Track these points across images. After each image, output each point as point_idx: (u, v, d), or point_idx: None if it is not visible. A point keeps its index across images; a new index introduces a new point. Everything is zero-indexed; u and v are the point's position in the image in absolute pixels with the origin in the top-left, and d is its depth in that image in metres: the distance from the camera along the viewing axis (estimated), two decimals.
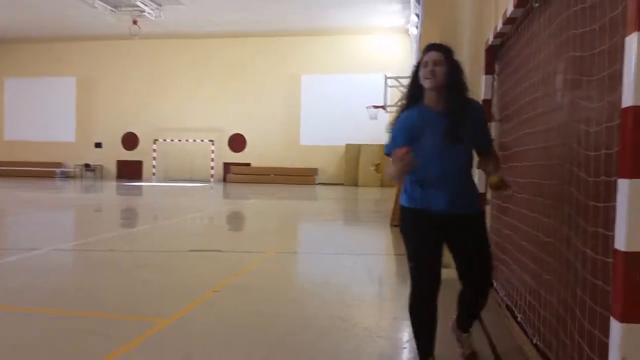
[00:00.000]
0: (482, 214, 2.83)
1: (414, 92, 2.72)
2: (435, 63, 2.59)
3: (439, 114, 2.64)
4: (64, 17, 23.90)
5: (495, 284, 4.37)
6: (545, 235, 2.91)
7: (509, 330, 3.47)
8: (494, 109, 4.73)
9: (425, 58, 2.64)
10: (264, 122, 26.72)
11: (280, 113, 26.78)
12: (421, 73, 2.64)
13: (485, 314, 3.91)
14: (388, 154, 2.68)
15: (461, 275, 2.80)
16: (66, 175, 28.67)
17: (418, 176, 2.65)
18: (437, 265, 2.64)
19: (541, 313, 2.90)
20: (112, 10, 21.61)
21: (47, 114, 29.24)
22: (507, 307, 3.81)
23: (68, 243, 7.36)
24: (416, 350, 2.72)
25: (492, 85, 4.74)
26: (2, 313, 3.82)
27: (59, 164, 28.82)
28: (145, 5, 21.28)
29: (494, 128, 4.74)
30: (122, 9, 21.58)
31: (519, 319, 3.41)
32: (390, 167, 2.52)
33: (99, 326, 3.53)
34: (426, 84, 2.61)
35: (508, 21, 3.91)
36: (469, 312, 2.93)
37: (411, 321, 2.71)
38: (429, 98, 2.67)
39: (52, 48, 28.92)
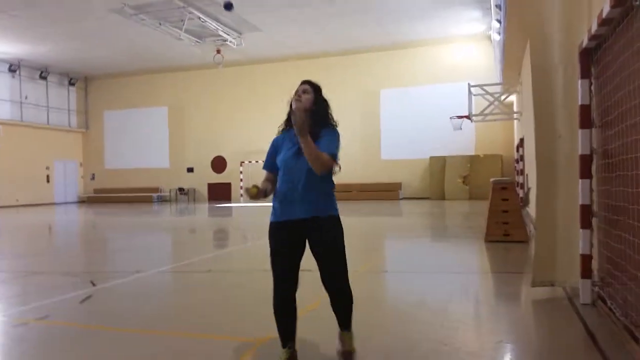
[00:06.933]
0: (333, 218, 3.12)
1: (288, 120, 3.24)
2: (304, 91, 3.19)
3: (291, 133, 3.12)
4: (154, 51, 25.66)
5: (609, 303, 4.05)
6: None
7: (631, 355, 3.18)
8: (594, 115, 4.44)
9: (298, 88, 3.22)
10: (344, 138, 26.16)
11: (360, 129, 26.84)
12: (292, 98, 3.19)
13: (599, 335, 3.63)
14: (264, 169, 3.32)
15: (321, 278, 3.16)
16: (162, 199, 30.49)
17: (279, 189, 3.13)
18: (290, 272, 3.14)
19: None
20: (197, 42, 22.88)
21: (143, 142, 31.40)
22: (625, 327, 3.51)
23: (169, 265, 7.78)
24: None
25: (590, 90, 4.46)
26: (112, 334, 4.09)
27: (156, 189, 30.76)
28: (227, 34, 22.34)
29: (595, 134, 4.44)
30: (206, 39, 22.81)
31: None
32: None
33: (201, 347, 3.68)
34: (293, 104, 3.15)
35: (604, 22, 3.68)
36: (335, 312, 3.26)
37: (274, 314, 3.20)
38: None
39: (144, 80, 31.10)
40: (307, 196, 3.05)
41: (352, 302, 3.23)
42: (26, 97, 28.47)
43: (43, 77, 29.02)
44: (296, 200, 3.06)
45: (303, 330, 3.89)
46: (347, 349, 3.26)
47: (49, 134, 29.82)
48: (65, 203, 30.29)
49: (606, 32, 3.87)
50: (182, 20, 20.49)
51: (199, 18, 20.14)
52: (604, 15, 3.57)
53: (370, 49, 25.91)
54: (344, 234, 3.17)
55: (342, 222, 3.17)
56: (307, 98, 3.17)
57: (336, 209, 3.18)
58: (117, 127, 32.02)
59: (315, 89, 3.24)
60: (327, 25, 22.09)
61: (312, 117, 3.11)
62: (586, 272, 4.45)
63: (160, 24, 20.75)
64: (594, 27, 3.88)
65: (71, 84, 31.29)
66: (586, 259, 4.43)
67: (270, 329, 3.97)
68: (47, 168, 29.83)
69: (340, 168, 3.16)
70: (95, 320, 4.55)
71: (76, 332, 4.15)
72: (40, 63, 27.75)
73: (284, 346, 3.19)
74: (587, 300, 4.43)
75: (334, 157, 3.05)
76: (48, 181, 29.90)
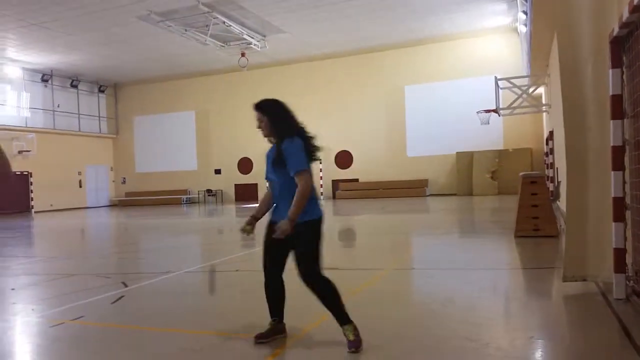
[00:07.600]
0: (305, 225, 3.46)
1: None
2: (259, 120, 3.62)
3: (274, 147, 3.63)
4: (180, 57, 26.04)
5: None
6: None
7: None
8: (625, 105, 4.32)
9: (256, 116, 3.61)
10: (369, 137, 26.79)
11: (385, 126, 26.71)
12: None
13: (635, 331, 3.53)
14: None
15: None
16: (191, 201, 30.93)
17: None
18: (268, 256, 3.72)
19: None
20: (222, 46, 23.12)
21: (172, 146, 31.93)
22: None
23: (198, 265, 7.89)
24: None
25: (622, 79, 4.33)
26: (143, 333, 4.18)
27: (184, 191, 31.23)
28: (252, 37, 22.51)
29: (627, 125, 4.32)
30: (231, 43, 23.03)
31: None
32: None
33: (229, 345, 3.72)
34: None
35: (635, 9, 3.57)
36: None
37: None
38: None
39: (172, 86, 31.61)
40: (283, 205, 3.50)
41: (326, 299, 3.53)
42: (58, 106, 29.27)
43: (74, 86, 29.79)
44: (279, 206, 3.59)
45: (328, 324, 3.90)
46: (347, 338, 3.44)
47: (80, 141, 30.59)
48: (98, 207, 31.04)
49: (638, 19, 3.77)
50: (207, 26, 20.74)
51: (224, 23, 20.36)
52: (635, 1, 3.47)
53: (394, 45, 25.74)
54: (321, 236, 3.57)
55: (318, 225, 3.52)
56: (264, 125, 3.60)
57: (308, 214, 3.48)
58: (146, 132, 32.64)
59: (264, 110, 3.59)
60: (350, 24, 22.04)
61: (274, 135, 3.60)
62: (620, 267, 4.33)
63: (186, 30, 21.04)
64: (625, 15, 3.77)
65: (101, 91, 32.02)
66: (620, 253, 4.32)
67: (295, 329, 4.01)
68: (79, 173, 30.61)
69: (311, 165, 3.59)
70: (127, 319, 4.65)
71: (109, 332, 4.25)
72: (71, 72, 28.50)
73: (271, 317, 3.74)
74: (621, 295, 4.32)
75: (305, 171, 3.44)
76: (80, 186, 30.68)
